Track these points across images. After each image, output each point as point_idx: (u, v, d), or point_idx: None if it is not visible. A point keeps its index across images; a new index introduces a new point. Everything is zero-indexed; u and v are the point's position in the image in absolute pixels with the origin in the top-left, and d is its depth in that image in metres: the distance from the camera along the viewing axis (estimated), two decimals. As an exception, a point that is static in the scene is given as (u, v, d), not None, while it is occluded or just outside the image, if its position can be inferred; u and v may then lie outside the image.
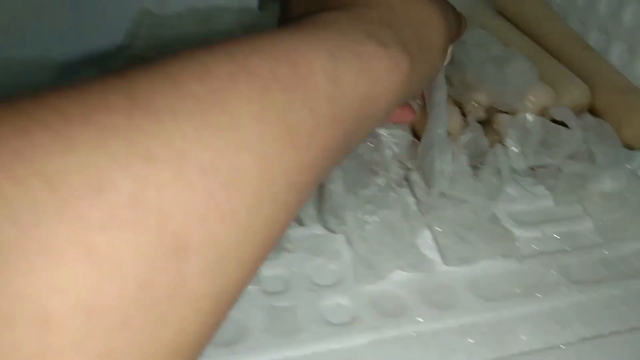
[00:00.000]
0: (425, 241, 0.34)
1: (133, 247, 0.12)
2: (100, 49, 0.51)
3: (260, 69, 0.15)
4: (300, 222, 0.33)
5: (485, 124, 0.41)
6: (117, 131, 0.12)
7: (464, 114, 0.41)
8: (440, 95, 0.33)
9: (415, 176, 0.38)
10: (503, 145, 0.38)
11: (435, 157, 0.33)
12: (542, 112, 0.39)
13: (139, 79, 0.14)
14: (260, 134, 0.15)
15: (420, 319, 0.29)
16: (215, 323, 0.15)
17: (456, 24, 0.28)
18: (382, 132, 0.37)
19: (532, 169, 0.40)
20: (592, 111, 0.42)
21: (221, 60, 0.15)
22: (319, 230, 0.35)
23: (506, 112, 0.40)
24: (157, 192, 0.12)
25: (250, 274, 0.16)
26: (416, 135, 0.40)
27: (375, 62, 0.19)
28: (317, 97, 0.17)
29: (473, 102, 0.41)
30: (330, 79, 0.17)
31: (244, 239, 0.14)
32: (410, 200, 0.37)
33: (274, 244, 0.16)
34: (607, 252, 0.33)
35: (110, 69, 0.17)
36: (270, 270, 0.32)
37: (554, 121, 0.39)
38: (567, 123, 0.38)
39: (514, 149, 0.37)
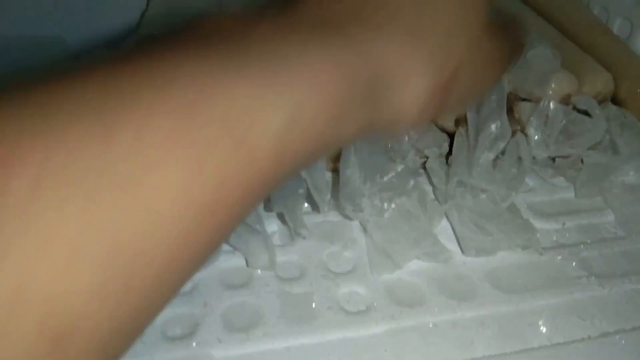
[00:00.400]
0: (444, 230, 0.33)
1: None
2: (113, 29, 0.51)
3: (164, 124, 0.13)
4: (316, 208, 0.33)
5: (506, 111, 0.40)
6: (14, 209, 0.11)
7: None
8: None
9: (433, 164, 0.37)
10: (524, 133, 0.37)
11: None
12: (565, 101, 0.38)
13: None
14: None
15: (438, 310, 0.29)
16: None
17: (487, 66, 0.21)
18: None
19: (552, 159, 0.39)
20: (615, 100, 0.41)
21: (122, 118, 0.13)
22: (334, 217, 0.34)
23: (527, 100, 0.39)
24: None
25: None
26: (436, 123, 0.39)
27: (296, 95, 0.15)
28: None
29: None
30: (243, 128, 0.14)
31: (136, 318, 0.13)
32: (428, 188, 0.37)
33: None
34: (629, 246, 0.33)
35: (121, 48, 0.16)
36: (284, 256, 0.31)
37: (577, 110, 0.38)
38: (590, 112, 0.37)
39: (535, 137, 0.36)
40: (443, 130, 0.39)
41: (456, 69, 0.18)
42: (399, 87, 0.17)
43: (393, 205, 0.31)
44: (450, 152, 0.38)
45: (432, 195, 0.36)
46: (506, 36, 0.22)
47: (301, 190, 0.31)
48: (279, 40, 0.15)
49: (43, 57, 0.47)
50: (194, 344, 0.26)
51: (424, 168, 0.39)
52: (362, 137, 0.18)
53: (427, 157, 0.38)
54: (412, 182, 0.32)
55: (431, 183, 0.37)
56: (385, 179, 0.31)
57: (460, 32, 0.19)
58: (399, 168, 0.32)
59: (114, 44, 0.50)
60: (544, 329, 0.28)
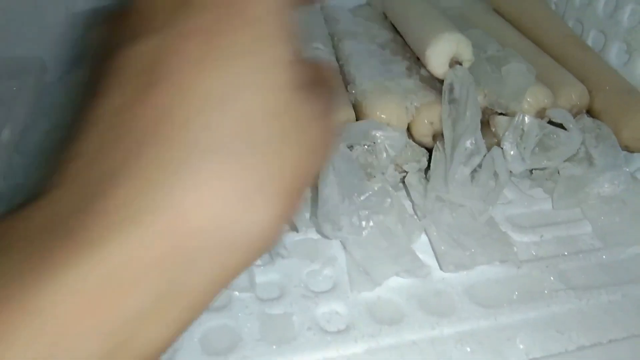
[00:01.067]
0: (423, 246, 0.33)
1: None
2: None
3: None
4: (294, 227, 0.33)
5: (482, 125, 0.40)
6: None
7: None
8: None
9: (412, 179, 0.38)
10: (500, 147, 0.37)
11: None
12: (540, 114, 0.38)
13: None
14: None
15: (417, 327, 0.29)
16: None
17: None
18: (378, 134, 0.36)
19: (529, 171, 0.39)
20: (590, 112, 0.41)
21: None
22: (313, 234, 0.34)
23: (503, 114, 0.39)
24: None
25: None
26: (412, 136, 0.39)
27: None
28: None
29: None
30: None
31: None
32: (407, 203, 0.37)
33: None
34: (605, 257, 0.33)
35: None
36: (264, 277, 0.31)
37: (552, 123, 0.38)
38: (565, 125, 0.37)
39: (511, 151, 0.36)
40: (421, 145, 0.39)
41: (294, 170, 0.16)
42: (237, 236, 0.15)
43: (371, 223, 0.31)
44: (429, 167, 0.38)
45: (410, 211, 0.36)
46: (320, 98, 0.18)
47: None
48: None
49: (22, 77, 0.46)
50: (172, 369, 0.26)
51: (403, 182, 0.39)
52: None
53: (406, 172, 0.39)
54: (389, 200, 0.32)
55: (410, 198, 0.37)
56: (363, 197, 0.31)
57: (274, 124, 0.15)
58: (376, 187, 0.32)
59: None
60: (521, 345, 0.28)
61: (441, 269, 0.32)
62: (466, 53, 0.39)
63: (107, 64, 0.16)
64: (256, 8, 0.16)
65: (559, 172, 0.38)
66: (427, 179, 0.38)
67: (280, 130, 0.15)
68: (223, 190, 0.14)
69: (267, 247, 0.16)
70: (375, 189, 0.32)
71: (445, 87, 0.37)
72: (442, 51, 0.38)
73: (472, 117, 0.34)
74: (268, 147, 0.15)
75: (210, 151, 0.14)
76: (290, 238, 0.33)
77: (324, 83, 0.19)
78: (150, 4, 0.16)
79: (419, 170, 0.39)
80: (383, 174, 0.38)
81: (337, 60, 0.45)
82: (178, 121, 0.14)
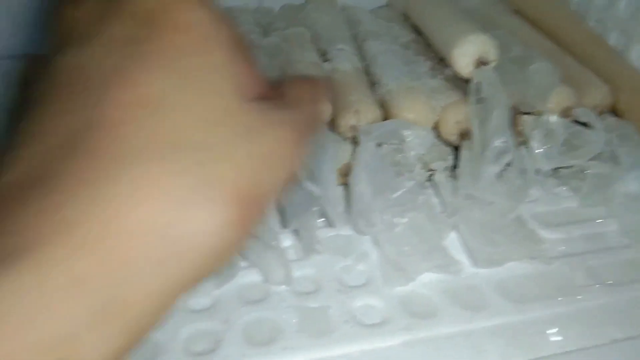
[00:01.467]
0: (452, 242, 0.34)
1: None
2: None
3: None
4: (330, 223, 0.34)
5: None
6: None
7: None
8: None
9: (440, 177, 0.38)
10: (527, 146, 0.38)
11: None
12: (565, 113, 0.39)
13: None
14: None
15: (452, 321, 0.29)
16: None
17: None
18: (406, 133, 0.37)
19: (555, 170, 0.40)
20: (614, 112, 0.42)
21: None
22: (345, 230, 0.35)
23: (530, 113, 0.40)
24: None
25: None
26: (438, 135, 0.40)
27: None
28: None
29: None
30: None
31: None
32: (435, 201, 0.38)
33: None
34: (634, 254, 0.34)
35: None
36: (299, 271, 0.32)
37: (577, 122, 0.39)
38: (590, 124, 0.38)
39: (538, 150, 0.37)
40: (448, 143, 0.40)
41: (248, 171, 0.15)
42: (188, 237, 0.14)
43: (403, 220, 0.32)
44: (454, 165, 0.39)
45: (438, 208, 0.37)
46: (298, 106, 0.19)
47: (315, 208, 0.32)
48: None
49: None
50: (219, 359, 0.27)
51: (429, 180, 0.40)
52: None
53: (434, 170, 0.39)
54: (421, 198, 0.32)
55: (438, 196, 0.38)
56: (396, 195, 0.32)
57: (222, 130, 0.15)
58: (408, 184, 0.33)
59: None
60: (554, 338, 0.28)
61: (474, 265, 0.32)
62: (492, 54, 0.39)
63: (42, 71, 0.16)
64: (187, 15, 0.16)
65: (583, 172, 0.39)
66: (453, 177, 0.39)
67: (223, 137, 0.15)
68: (159, 197, 0.14)
69: (223, 257, 0.15)
70: (408, 186, 0.32)
71: (472, 87, 0.38)
72: (468, 52, 0.39)
73: (501, 116, 0.34)
74: (207, 153, 0.15)
75: (143, 157, 0.14)
76: (324, 233, 0.34)
77: (308, 97, 0.19)
78: (78, 14, 0.16)
79: (446, 168, 0.39)
80: (410, 172, 0.38)
81: (363, 60, 0.46)
82: (109, 129, 0.14)
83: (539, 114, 0.39)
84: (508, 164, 0.36)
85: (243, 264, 0.32)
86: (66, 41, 0.16)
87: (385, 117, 0.40)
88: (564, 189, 0.39)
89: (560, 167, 0.39)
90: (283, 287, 0.31)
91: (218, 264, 0.15)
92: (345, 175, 0.37)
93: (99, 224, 0.13)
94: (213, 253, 0.15)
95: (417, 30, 0.50)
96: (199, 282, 0.15)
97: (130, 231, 0.13)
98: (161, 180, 0.14)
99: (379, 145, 0.38)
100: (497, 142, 0.34)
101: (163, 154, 0.14)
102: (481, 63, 0.40)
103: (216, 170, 0.15)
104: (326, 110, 0.22)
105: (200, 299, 0.30)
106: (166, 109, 0.15)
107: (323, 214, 0.34)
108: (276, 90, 0.19)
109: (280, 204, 0.33)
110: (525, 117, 0.40)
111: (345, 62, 0.43)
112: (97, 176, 0.13)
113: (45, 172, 0.14)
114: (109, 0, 0.16)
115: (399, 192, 0.32)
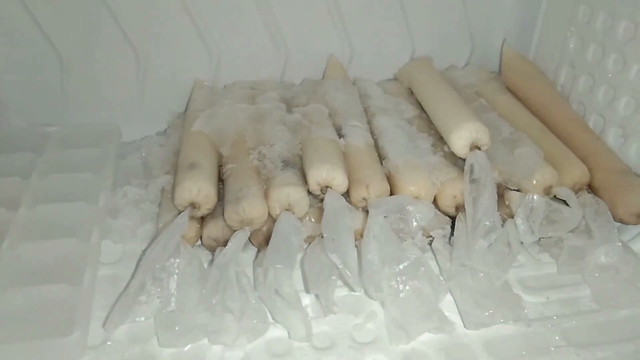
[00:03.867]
0: (447, 304, 0.40)
1: None
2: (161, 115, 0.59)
3: None
4: (349, 287, 0.40)
5: (497, 198, 0.47)
6: None
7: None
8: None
9: (438, 244, 0.44)
10: (512, 220, 0.44)
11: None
12: (547, 191, 0.45)
13: None
14: None
15: (445, 375, 0.35)
16: None
17: None
18: (411, 208, 0.43)
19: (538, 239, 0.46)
20: (591, 188, 0.48)
21: None
22: (358, 291, 0.41)
23: (516, 190, 0.46)
24: None
25: None
26: (437, 207, 0.46)
27: None
28: None
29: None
30: None
31: None
32: (433, 264, 0.44)
33: None
34: (601, 318, 0.39)
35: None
36: (317, 328, 0.38)
37: (557, 198, 0.45)
38: (568, 202, 0.44)
39: (522, 225, 0.43)
40: (445, 214, 0.47)
41: None
42: None
43: (407, 287, 0.38)
44: (451, 233, 0.45)
45: (437, 271, 0.43)
46: None
47: (334, 277, 0.38)
48: None
49: (102, 144, 0.54)
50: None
51: (429, 245, 0.46)
52: None
53: (432, 237, 0.46)
54: (423, 269, 0.39)
55: (436, 261, 0.44)
56: (402, 266, 0.38)
57: None
58: (412, 256, 0.39)
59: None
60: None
61: (465, 327, 0.38)
62: (484, 139, 0.46)
63: None
64: None
65: (562, 241, 0.45)
66: (450, 243, 0.45)
67: None
68: None
69: None
70: (412, 259, 0.39)
71: (466, 168, 0.45)
72: (464, 137, 0.46)
73: (489, 199, 0.41)
74: None
75: None
76: (336, 293, 0.40)
77: None
78: None
79: (444, 236, 0.46)
80: (413, 239, 0.45)
81: (372, 134, 0.52)
82: None
83: (524, 190, 0.45)
84: (496, 238, 0.42)
85: (271, 320, 0.38)
86: None
87: (392, 188, 0.46)
88: (546, 255, 0.45)
89: (542, 237, 0.46)
90: (305, 343, 0.37)
91: None
92: (357, 237, 0.43)
93: None
94: None
95: (421, 106, 0.57)
96: None
97: None
98: None
99: (386, 217, 0.44)
100: (487, 222, 0.40)
101: None
102: (475, 147, 0.46)
103: None
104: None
105: (234, 352, 0.36)
106: None
107: (341, 279, 0.40)
108: None
109: (304, 271, 0.39)
110: (512, 193, 0.46)
111: (358, 139, 0.50)
112: None
113: None
114: None
115: (404, 264, 0.38)
